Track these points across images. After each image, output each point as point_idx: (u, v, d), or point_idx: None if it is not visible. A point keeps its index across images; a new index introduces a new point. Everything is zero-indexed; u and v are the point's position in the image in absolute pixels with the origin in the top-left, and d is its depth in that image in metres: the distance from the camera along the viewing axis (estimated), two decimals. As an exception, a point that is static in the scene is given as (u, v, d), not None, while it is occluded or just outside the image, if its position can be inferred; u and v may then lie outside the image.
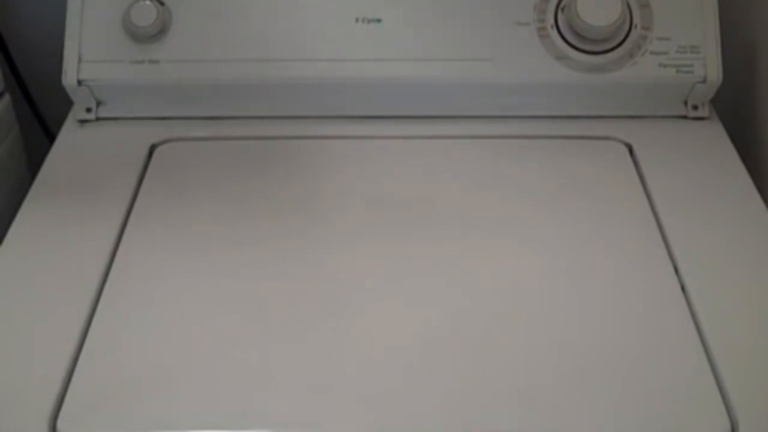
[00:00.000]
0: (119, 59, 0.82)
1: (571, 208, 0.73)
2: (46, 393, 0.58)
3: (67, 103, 0.85)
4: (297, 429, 0.57)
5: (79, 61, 0.82)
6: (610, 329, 0.63)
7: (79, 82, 0.82)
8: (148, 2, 0.81)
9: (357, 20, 0.82)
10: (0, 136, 0.87)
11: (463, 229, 0.71)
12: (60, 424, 0.57)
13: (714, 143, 0.81)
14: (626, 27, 0.81)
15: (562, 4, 0.82)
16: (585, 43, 0.81)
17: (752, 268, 0.68)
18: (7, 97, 0.90)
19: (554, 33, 0.81)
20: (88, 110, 0.84)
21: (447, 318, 0.64)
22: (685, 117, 0.84)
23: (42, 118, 1.00)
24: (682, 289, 0.66)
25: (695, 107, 0.84)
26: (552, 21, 0.82)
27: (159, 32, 0.81)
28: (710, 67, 0.81)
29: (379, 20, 0.82)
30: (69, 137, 0.83)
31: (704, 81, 0.82)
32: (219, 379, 0.59)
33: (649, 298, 0.65)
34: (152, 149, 0.81)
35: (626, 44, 0.81)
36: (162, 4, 0.82)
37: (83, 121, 0.84)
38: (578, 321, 0.64)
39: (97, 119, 0.84)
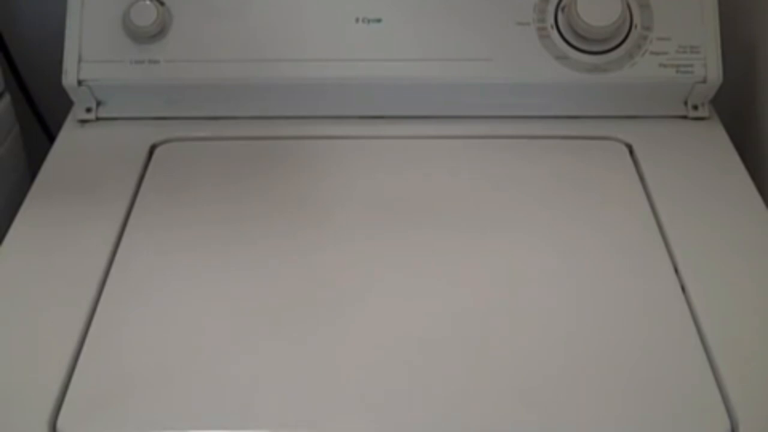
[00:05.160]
0: (119, 59, 0.82)
1: (571, 208, 0.73)
2: (46, 393, 0.58)
3: (67, 103, 0.85)
4: (297, 429, 0.57)
5: (79, 61, 0.82)
6: (610, 329, 0.63)
7: (79, 82, 0.82)
8: (148, 2, 0.81)
9: (357, 20, 0.82)
10: (0, 136, 0.87)
11: (463, 229, 0.71)
12: (60, 424, 0.57)
13: (714, 143, 0.81)
14: (626, 27, 0.81)
15: (562, 4, 0.82)
16: (585, 43, 0.81)
17: (752, 268, 0.68)
18: (7, 97, 0.90)
19: (554, 33, 0.81)
20: (88, 110, 0.84)
21: (447, 318, 0.64)
22: (685, 117, 0.84)
23: (42, 118, 1.00)
24: (682, 289, 0.66)
25: (695, 107, 0.84)
26: (552, 21, 0.82)
27: (159, 32, 0.81)
28: (710, 67, 0.81)
29: (379, 20, 0.82)
30: (69, 137, 0.83)
31: (704, 81, 0.82)
32: (219, 379, 0.59)
33: (649, 298, 0.65)
34: (152, 149, 0.81)
35: (626, 44, 0.81)
36: (162, 4, 0.82)
37: (83, 121, 0.84)
38: (578, 321, 0.64)
39: (97, 119, 0.84)
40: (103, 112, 0.84)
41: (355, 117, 0.84)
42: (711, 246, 0.70)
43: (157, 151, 0.81)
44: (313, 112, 0.84)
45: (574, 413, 0.57)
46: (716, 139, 0.82)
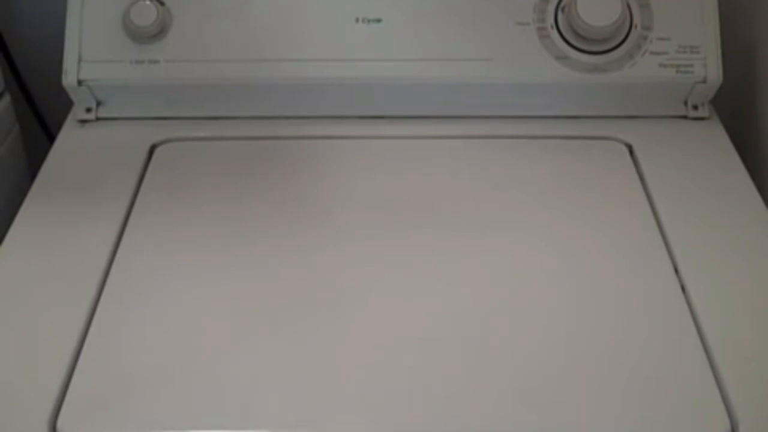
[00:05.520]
0: (119, 59, 0.82)
1: (571, 208, 0.73)
2: (46, 393, 0.58)
3: (67, 103, 0.85)
4: (297, 429, 0.57)
5: (79, 61, 0.82)
6: (610, 329, 0.63)
7: (79, 82, 0.82)
8: (148, 2, 0.81)
9: (357, 20, 0.82)
10: (0, 136, 0.87)
11: (463, 229, 0.71)
12: (60, 424, 0.57)
13: (714, 143, 0.81)
14: (626, 27, 0.81)
15: (562, 4, 0.82)
16: (585, 43, 0.81)
17: (752, 268, 0.68)
18: (7, 97, 0.90)
19: (554, 33, 0.81)
20: (88, 110, 0.84)
21: (447, 318, 0.64)
22: (685, 117, 0.84)
23: (42, 118, 1.00)
24: (682, 289, 0.66)
25: (695, 107, 0.84)
26: (552, 21, 0.82)
27: (159, 32, 0.81)
28: (710, 67, 0.81)
29: (379, 20, 0.82)
30: (69, 137, 0.83)
31: (704, 81, 0.82)
32: (219, 379, 0.59)
33: (649, 298, 0.65)
34: (152, 149, 0.81)
35: (626, 44, 0.81)
36: (162, 4, 0.82)
37: (83, 121, 0.84)
38: (578, 321, 0.64)
39: (97, 119, 0.84)
40: (103, 112, 0.84)
41: (355, 117, 0.84)
42: (711, 246, 0.70)
43: (157, 151, 0.81)
44: (313, 112, 0.84)
45: (574, 413, 0.57)
46: (716, 139, 0.82)
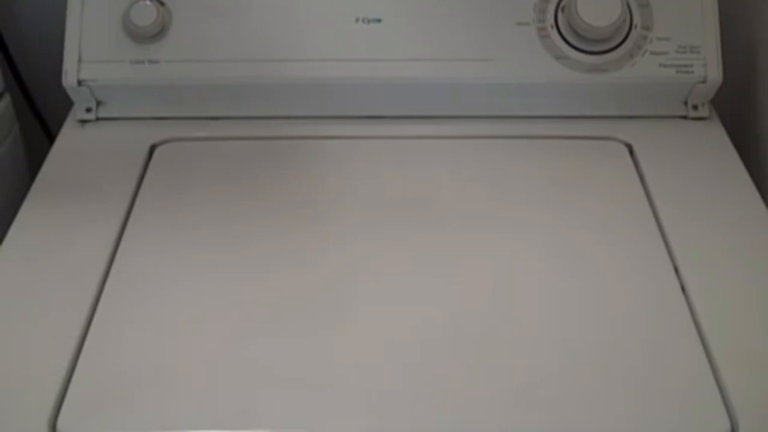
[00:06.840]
0: (119, 59, 0.82)
1: (571, 208, 0.73)
2: (46, 393, 0.58)
3: (67, 103, 0.85)
4: (297, 429, 0.57)
5: (79, 61, 0.82)
6: (610, 329, 0.63)
7: (79, 83, 0.82)
8: (148, 2, 0.81)
9: (357, 20, 0.82)
10: (0, 136, 0.87)
11: (462, 228, 0.71)
12: (60, 424, 0.57)
13: (714, 143, 0.81)
14: (626, 27, 0.81)
15: (562, 4, 0.82)
16: (585, 43, 0.81)
17: (752, 268, 0.68)
18: (7, 97, 0.90)
19: (554, 33, 0.81)
20: (88, 110, 0.84)
21: (447, 318, 0.64)
22: (685, 117, 0.84)
23: (42, 118, 1.00)
24: (682, 289, 0.66)
25: (695, 107, 0.84)
26: (552, 21, 0.82)
27: (159, 32, 0.81)
28: (710, 67, 0.81)
29: (379, 20, 0.82)
30: (69, 137, 0.83)
31: (704, 81, 0.82)
32: (219, 378, 0.59)
33: (649, 298, 0.65)
34: (152, 149, 0.81)
35: (626, 44, 0.81)
36: (162, 4, 0.82)
37: (83, 121, 0.84)
38: (578, 321, 0.64)
39: (97, 119, 0.84)
40: (103, 112, 0.84)
41: (356, 117, 0.84)
42: (711, 246, 0.70)
43: (157, 151, 0.81)
44: (313, 112, 0.84)
45: (574, 413, 0.57)
46: (716, 139, 0.82)
